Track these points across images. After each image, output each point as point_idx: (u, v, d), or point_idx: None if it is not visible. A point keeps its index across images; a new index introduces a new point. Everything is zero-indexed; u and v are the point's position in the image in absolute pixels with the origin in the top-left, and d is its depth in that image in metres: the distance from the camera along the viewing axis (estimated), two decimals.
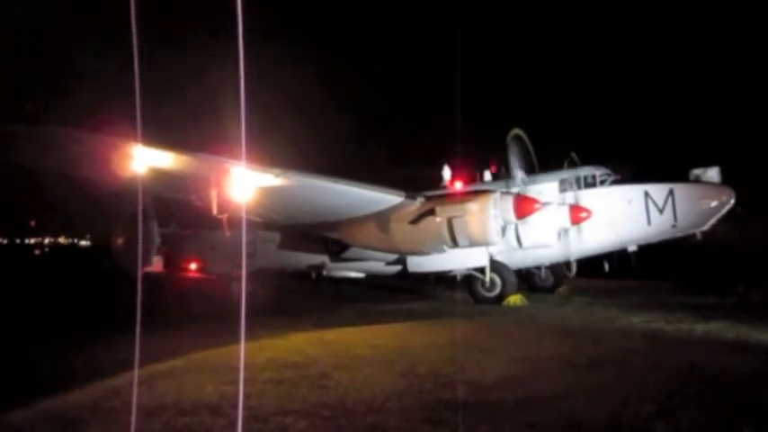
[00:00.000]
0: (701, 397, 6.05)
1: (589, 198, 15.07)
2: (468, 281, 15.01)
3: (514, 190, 14.78)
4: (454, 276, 15.56)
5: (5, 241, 72.18)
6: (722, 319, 10.94)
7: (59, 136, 10.21)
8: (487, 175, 16.77)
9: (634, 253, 15.61)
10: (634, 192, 15.03)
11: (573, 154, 16.77)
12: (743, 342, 8.96)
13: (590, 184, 15.39)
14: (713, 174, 14.88)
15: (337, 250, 16.24)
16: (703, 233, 14.92)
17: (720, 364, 7.51)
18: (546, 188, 15.31)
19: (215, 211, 11.88)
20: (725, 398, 6.05)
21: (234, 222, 13.05)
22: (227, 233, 13.10)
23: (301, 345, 9.54)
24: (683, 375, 6.95)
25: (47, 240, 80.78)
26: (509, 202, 13.79)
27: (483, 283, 14.56)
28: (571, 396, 6.13)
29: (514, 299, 14.40)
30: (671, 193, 14.72)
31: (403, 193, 13.96)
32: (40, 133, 10.03)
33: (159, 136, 10.20)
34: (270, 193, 12.71)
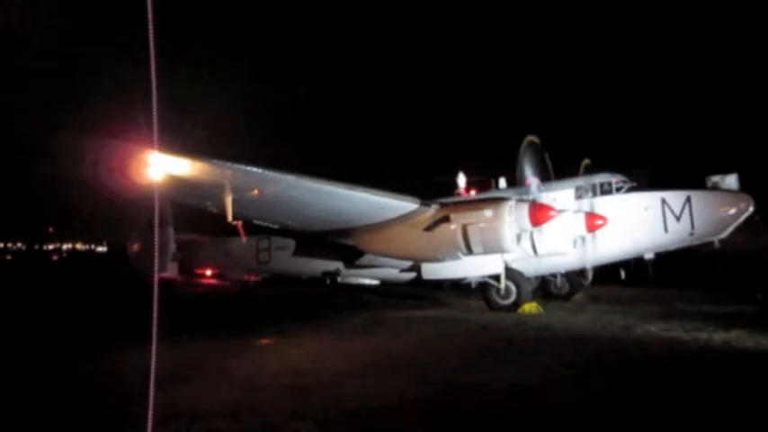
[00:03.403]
0: (722, 410, 5.97)
1: (605, 205, 14.98)
2: (483, 288, 14.93)
3: (529, 197, 14.70)
4: (469, 284, 15.51)
5: (24, 247, 73.09)
6: (741, 327, 10.78)
7: (78, 142, 10.32)
8: (502, 183, 16.73)
9: (651, 261, 15.45)
10: (651, 199, 14.90)
11: (588, 161, 16.68)
12: (763, 352, 8.82)
13: (606, 191, 15.29)
14: (731, 181, 14.69)
15: (352, 257, 16.25)
16: (721, 241, 14.75)
17: (740, 376, 7.40)
18: (561, 195, 15.25)
19: (230, 218, 11.96)
20: (745, 411, 5.95)
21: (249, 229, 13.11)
22: (244, 239, 13.18)
23: (315, 351, 9.53)
24: (703, 387, 6.86)
25: (65, 246, 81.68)
26: (524, 210, 13.71)
27: (498, 290, 14.48)
28: (587, 407, 6.07)
29: (529, 306, 14.29)
30: (688, 200, 14.56)
31: (418, 200, 13.95)
32: (59, 139, 10.15)
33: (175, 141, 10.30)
34: (285, 198, 12.76)
